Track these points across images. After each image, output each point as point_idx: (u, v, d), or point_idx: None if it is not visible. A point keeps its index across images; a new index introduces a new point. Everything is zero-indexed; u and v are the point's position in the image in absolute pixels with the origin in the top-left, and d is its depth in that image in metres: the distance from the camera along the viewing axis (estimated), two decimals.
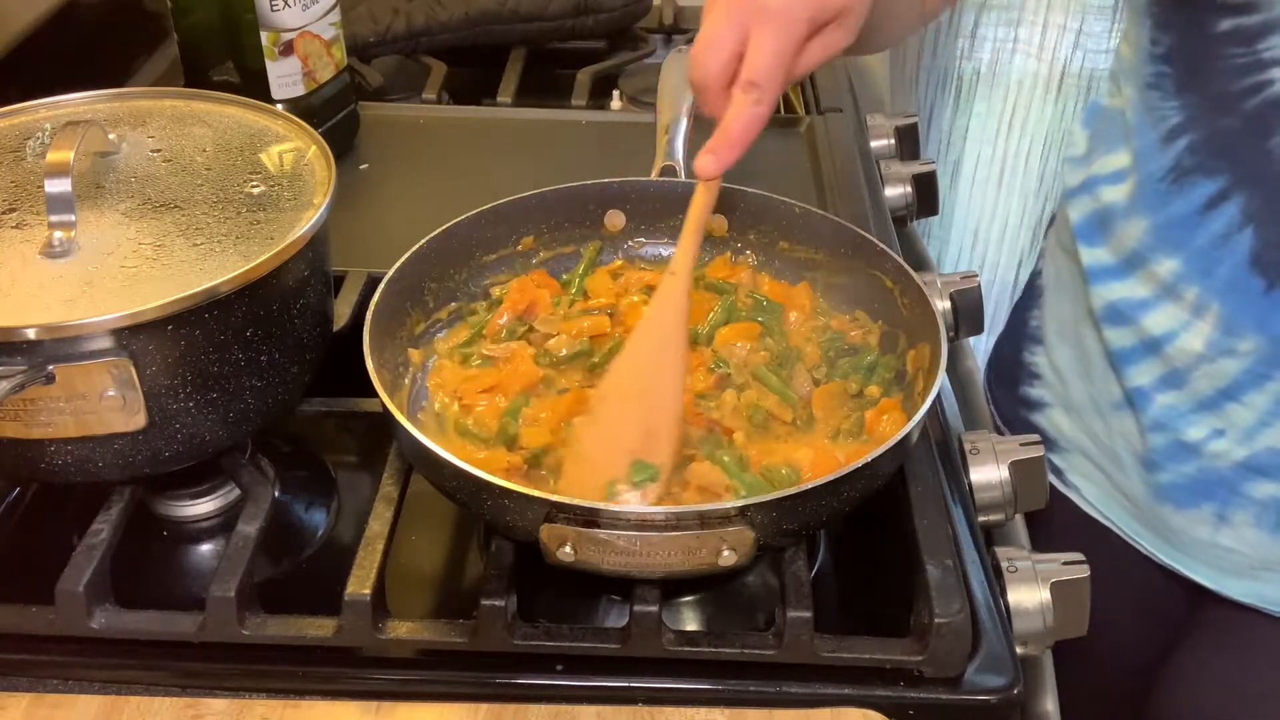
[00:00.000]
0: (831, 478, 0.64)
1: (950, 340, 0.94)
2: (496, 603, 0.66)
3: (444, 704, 0.66)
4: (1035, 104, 1.79)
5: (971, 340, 1.07)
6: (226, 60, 1.02)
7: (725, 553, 0.63)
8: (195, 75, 1.04)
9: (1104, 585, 0.74)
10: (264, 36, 0.99)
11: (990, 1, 1.72)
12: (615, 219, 0.90)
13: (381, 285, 0.77)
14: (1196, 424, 0.89)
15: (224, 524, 0.78)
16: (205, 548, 0.78)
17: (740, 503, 0.63)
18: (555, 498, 0.63)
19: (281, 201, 0.74)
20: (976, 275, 0.98)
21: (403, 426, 0.67)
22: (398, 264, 0.79)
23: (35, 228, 0.70)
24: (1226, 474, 0.88)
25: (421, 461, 0.69)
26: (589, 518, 0.62)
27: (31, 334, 0.63)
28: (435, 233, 0.82)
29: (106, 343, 0.64)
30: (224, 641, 0.67)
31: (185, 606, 0.68)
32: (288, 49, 1.00)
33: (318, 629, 0.68)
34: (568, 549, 0.63)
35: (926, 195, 1.15)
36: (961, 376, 1.06)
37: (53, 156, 0.69)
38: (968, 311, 0.96)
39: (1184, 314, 0.87)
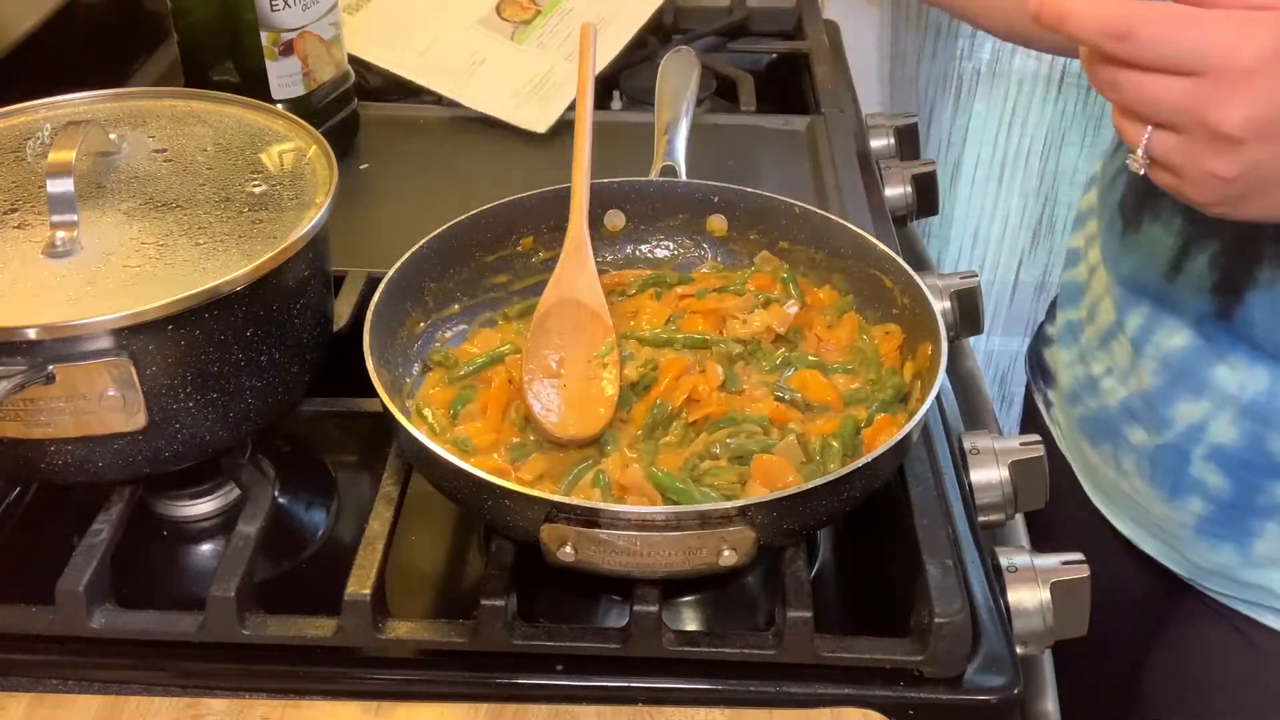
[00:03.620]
0: (831, 478, 0.64)
1: (950, 340, 0.94)
2: (496, 603, 0.66)
3: (444, 704, 0.66)
4: (1035, 104, 1.79)
5: (971, 340, 1.07)
6: (226, 60, 1.02)
7: (726, 552, 0.63)
8: (195, 75, 1.04)
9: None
10: (264, 36, 0.99)
11: None
12: (615, 219, 0.90)
13: (381, 285, 0.77)
14: (1099, 359, 0.93)
15: (224, 524, 0.78)
16: (205, 548, 0.78)
17: (740, 503, 0.63)
18: (556, 498, 0.64)
19: (283, 201, 0.74)
20: (976, 275, 0.98)
21: (403, 426, 0.67)
22: (398, 264, 0.79)
23: (37, 227, 0.70)
24: (1114, 414, 0.91)
25: (421, 461, 0.69)
26: (589, 518, 0.63)
27: (32, 334, 0.63)
28: (435, 233, 0.82)
29: (107, 343, 0.65)
30: (224, 641, 0.67)
31: (185, 606, 0.68)
32: (288, 49, 1.01)
33: (318, 629, 0.68)
34: (568, 549, 0.63)
35: (926, 195, 1.15)
36: (962, 376, 1.06)
37: (54, 156, 0.69)
38: (968, 311, 0.97)
39: (1081, 242, 0.96)
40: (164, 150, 0.78)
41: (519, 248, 0.87)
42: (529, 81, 1.20)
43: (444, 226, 0.83)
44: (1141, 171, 0.65)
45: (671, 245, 0.90)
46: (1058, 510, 0.95)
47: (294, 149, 0.78)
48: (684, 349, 0.80)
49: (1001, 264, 1.95)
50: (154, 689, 0.67)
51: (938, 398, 0.77)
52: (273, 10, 0.98)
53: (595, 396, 0.76)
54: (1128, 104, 0.62)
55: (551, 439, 0.74)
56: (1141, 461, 0.89)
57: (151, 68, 1.24)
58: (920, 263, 1.11)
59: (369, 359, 0.71)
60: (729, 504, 0.63)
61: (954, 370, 1.06)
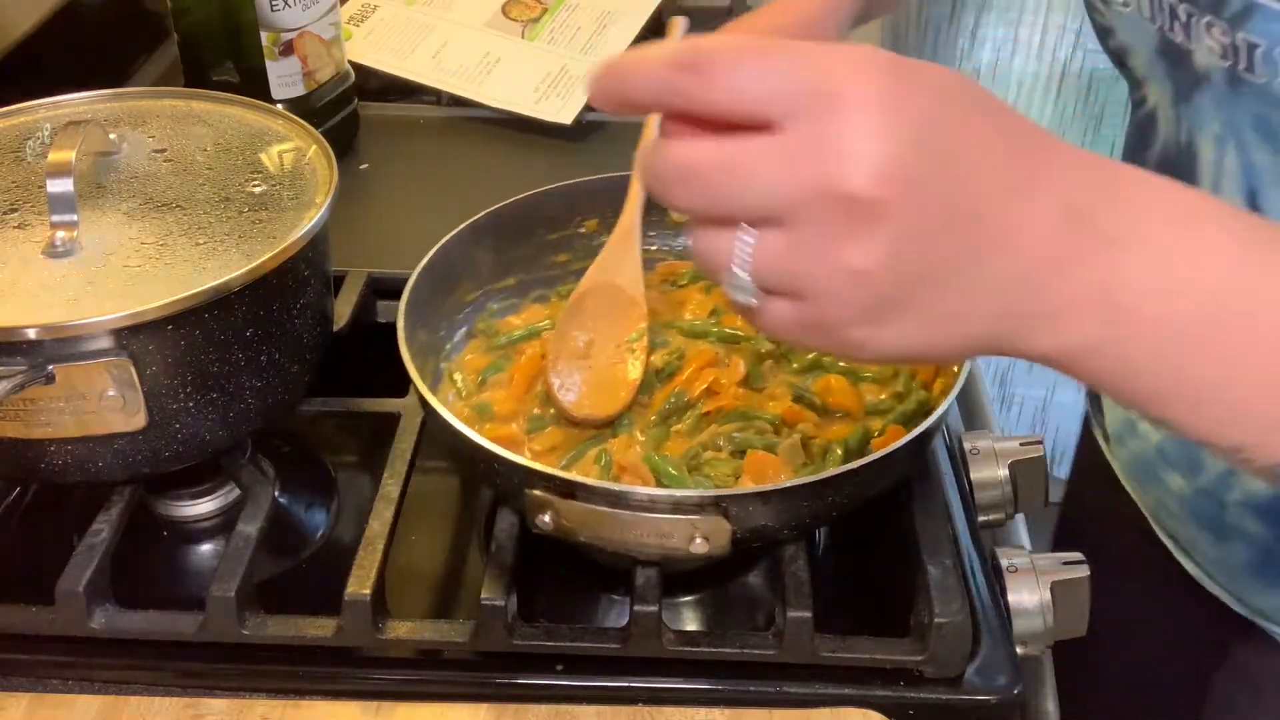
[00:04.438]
0: (811, 479, 0.64)
1: None
2: (496, 602, 0.66)
3: (444, 704, 0.66)
4: (1035, 104, 1.79)
5: None
6: (226, 60, 1.02)
7: (698, 540, 0.63)
8: (195, 75, 1.04)
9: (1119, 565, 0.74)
10: (264, 36, 0.99)
11: (990, 1, 1.72)
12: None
13: (434, 251, 0.79)
14: None
15: (224, 524, 0.78)
16: (205, 548, 0.78)
17: (715, 493, 0.63)
18: (535, 465, 0.65)
19: (283, 201, 0.74)
20: None
21: (414, 380, 0.69)
22: (454, 232, 0.81)
23: (37, 228, 0.70)
24: (1152, 458, 0.89)
25: (429, 416, 0.71)
26: (568, 489, 0.64)
27: (32, 334, 0.63)
28: (495, 207, 0.84)
29: (107, 343, 0.65)
30: (224, 641, 0.67)
31: (185, 606, 0.68)
32: (288, 49, 1.01)
33: (318, 629, 0.68)
34: (546, 518, 0.64)
35: None
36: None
37: (54, 156, 0.69)
38: None
39: None
40: (164, 150, 0.78)
41: (582, 229, 0.88)
42: (546, 77, 1.20)
43: (507, 202, 0.84)
44: (751, 302, 0.44)
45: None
46: (1120, 542, 0.94)
47: (294, 149, 0.78)
48: (717, 342, 0.81)
49: None
50: (154, 689, 0.67)
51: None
52: (273, 10, 0.98)
53: (618, 380, 0.77)
54: (712, 198, 0.43)
55: (567, 416, 0.76)
56: (1184, 506, 0.87)
57: (151, 68, 1.24)
58: None
59: (401, 318, 0.73)
60: (702, 492, 0.63)
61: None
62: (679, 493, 0.64)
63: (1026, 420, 2.04)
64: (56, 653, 0.68)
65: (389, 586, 0.68)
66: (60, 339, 0.64)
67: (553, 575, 0.66)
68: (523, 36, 1.25)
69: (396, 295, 0.79)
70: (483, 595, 0.66)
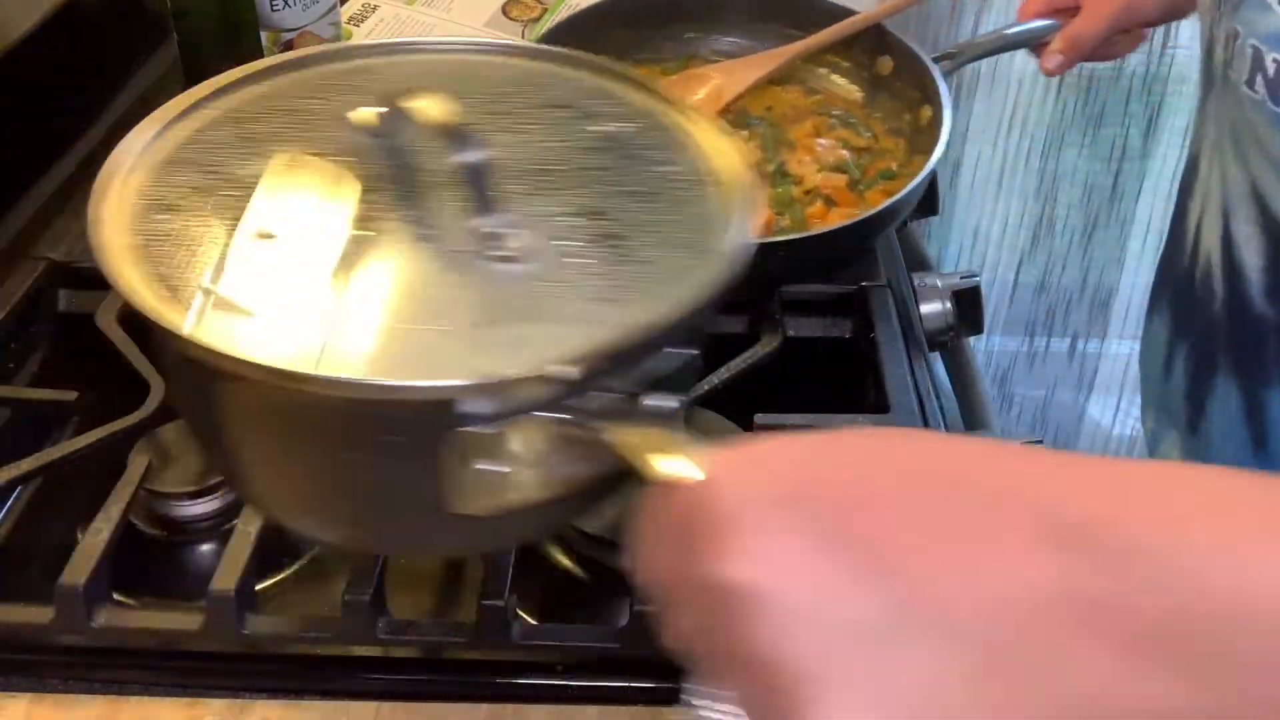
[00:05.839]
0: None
1: (949, 341, 0.94)
2: (496, 603, 0.66)
3: (444, 704, 0.66)
4: (1035, 104, 1.79)
5: (971, 340, 1.07)
6: (227, 61, 1.02)
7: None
8: (195, 75, 1.03)
9: None
10: (264, 37, 0.99)
11: (990, 1, 1.72)
12: (885, 64, 1.06)
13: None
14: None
15: (224, 524, 0.78)
16: (205, 548, 0.78)
17: None
18: None
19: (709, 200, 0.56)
20: (977, 275, 0.98)
21: None
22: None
23: (445, 234, 0.54)
24: None
25: None
26: None
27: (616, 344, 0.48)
28: None
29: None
30: (224, 641, 0.67)
31: (185, 606, 0.68)
32: (288, 49, 1.01)
33: (318, 629, 0.68)
34: None
35: (926, 195, 1.14)
36: (962, 376, 1.06)
37: (463, 158, 0.52)
38: (968, 311, 0.96)
39: None
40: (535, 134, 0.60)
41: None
42: None
43: None
44: None
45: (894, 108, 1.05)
46: None
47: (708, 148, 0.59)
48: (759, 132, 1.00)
49: (1001, 264, 1.95)
50: (154, 689, 0.67)
51: (937, 397, 0.77)
52: (273, 10, 0.98)
53: None
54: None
55: None
56: None
57: (151, 68, 1.24)
58: (920, 262, 1.11)
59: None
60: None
61: (954, 370, 1.06)
62: None
63: (1026, 420, 2.04)
64: (56, 652, 0.68)
65: (389, 586, 0.68)
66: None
67: (553, 575, 0.66)
68: (523, 37, 1.25)
69: None
70: (483, 595, 0.66)
